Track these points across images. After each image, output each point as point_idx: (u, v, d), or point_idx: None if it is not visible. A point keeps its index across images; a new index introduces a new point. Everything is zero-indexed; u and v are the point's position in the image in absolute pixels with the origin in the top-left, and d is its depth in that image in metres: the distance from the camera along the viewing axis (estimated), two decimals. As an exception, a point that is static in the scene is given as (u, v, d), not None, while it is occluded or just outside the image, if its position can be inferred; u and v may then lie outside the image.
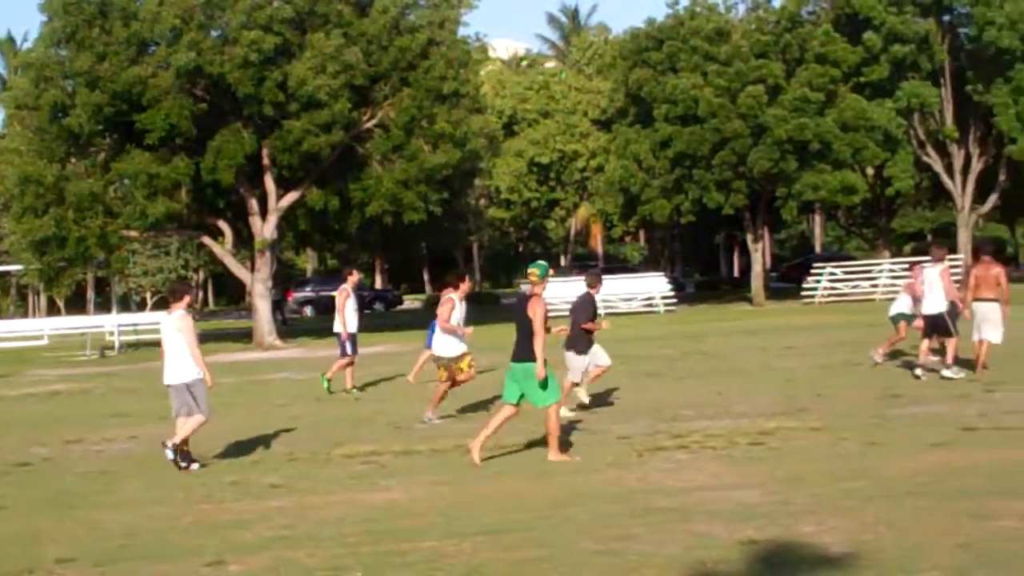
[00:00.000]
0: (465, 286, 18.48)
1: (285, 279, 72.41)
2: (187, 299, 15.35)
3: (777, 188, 55.88)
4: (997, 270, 20.86)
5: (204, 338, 27.30)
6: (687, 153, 54.39)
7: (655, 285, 56.28)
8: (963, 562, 8.40)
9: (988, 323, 20.43)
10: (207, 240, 47.94)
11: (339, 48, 42.06)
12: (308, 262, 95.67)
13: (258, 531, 10.85)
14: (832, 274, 55.67)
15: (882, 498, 10.72)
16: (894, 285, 49.77)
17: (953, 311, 20.73)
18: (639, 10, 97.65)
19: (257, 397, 23.90)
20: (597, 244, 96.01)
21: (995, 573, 8.07)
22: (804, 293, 54.57)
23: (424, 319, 32.50)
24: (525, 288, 14.57)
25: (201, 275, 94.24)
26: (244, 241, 48.53)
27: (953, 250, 59.21)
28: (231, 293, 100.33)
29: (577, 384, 18.13)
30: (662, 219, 59.18)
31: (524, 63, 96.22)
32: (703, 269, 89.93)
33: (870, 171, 63.70)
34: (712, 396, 19.51)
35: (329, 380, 23.47)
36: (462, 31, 48.89)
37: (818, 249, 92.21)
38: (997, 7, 54.97)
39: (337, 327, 23.51)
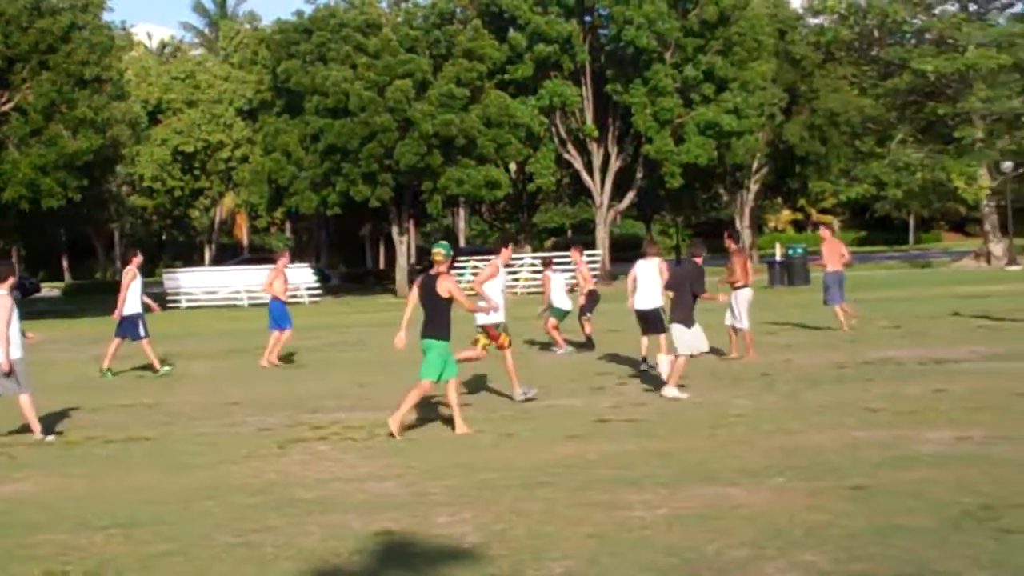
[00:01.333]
0: (507, 252, 17.66)
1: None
2: (11, 280, 15.17)
3: (423, 182, 56.41)
4: (744, 257, 21.87)
5: None
6: (337, 146, 54.30)
7: (300, 276, 55.92)
8: (592, 551, 8.60)
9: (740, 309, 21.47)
10: None
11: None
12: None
13: None
14: (475, 268, 56.55)
15: (516, 488, 10.89)
16: (535, 279, 51.03)
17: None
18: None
19: None
20: (243, 234, 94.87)
21: (622, 561, 8.30)
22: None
23: (64, 307, 31.33)
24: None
25: None
26: None
27: (591, 245, 61.22)
28: None
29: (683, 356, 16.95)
30: (309, 210, 58.94)
31: (168, 51, 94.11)
32: (349, 261, 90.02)
33: (513, 167, 65.11)
34: (354, 388, 19.51)
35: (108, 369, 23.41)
36: (106, 16, 47.62)
37: (462, 243, 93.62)
38: (636, 6, 56.84)
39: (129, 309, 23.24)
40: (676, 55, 59.25)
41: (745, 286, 21.96)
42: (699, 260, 17.44)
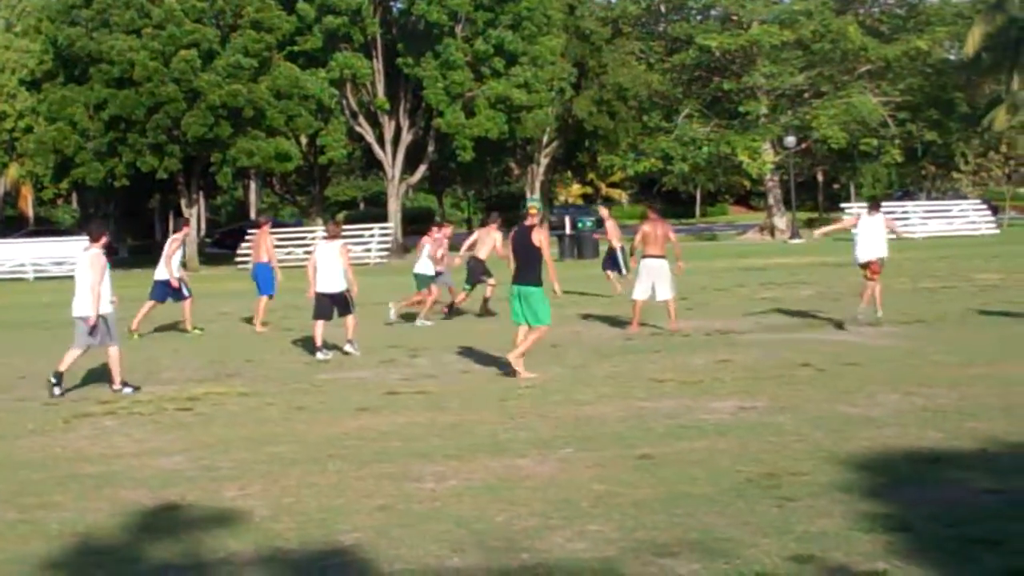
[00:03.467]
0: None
1: None
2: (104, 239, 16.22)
3: (212, 154, 55.53)
4: (666, 227, 21.57)
5: None
6: (122, 116, 53.07)
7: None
8: (382, 523, 8.62)
9: (661, 280, 21.12)
10: None
11: None
12: None
13: None
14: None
15: (306, 462, 10.84)
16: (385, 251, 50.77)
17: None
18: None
19: None
20: (27, 206, 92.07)
21: (411, 533, 8.33)
22: (239, 259, 54.45)
23: None
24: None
25: None
26: None
27: (384, 218, 61.10)
28: None
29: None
30: (95, 182, 57.45)
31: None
32: (137, 234, 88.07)
33: (304, 139, 64.56)
34: (142, 362, 19.14)
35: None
36: None
37: (253, 215, 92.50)
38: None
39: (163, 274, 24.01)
40: (467, 29, 59.35)
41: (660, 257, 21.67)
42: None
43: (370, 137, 63.35)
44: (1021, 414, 11.69)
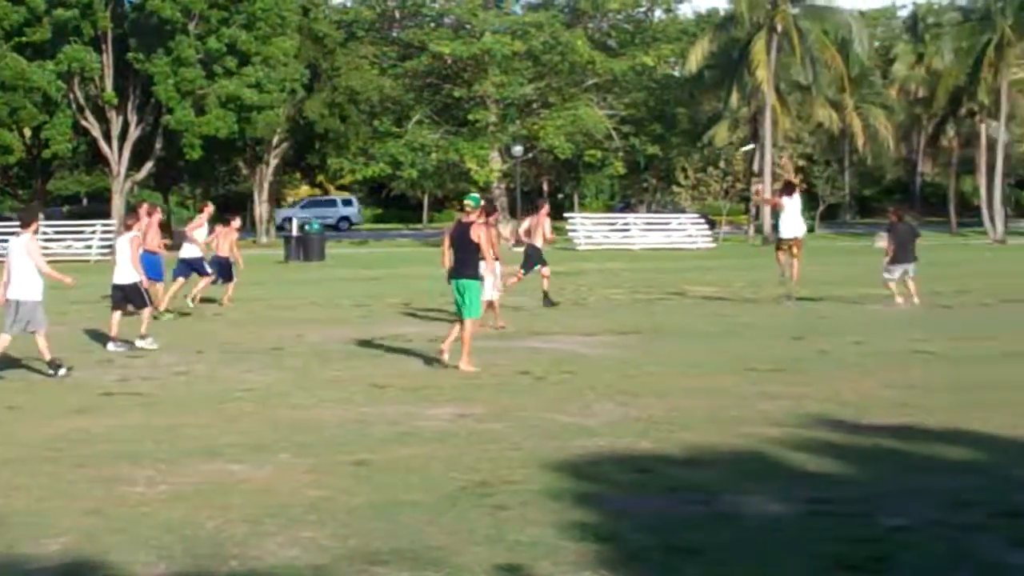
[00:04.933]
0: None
1: None
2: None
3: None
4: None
5: None
6: None
7: None
8: (91, 527, 8.43)
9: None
10: None
11: None
12: None
13: None
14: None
15: (17, 463, 10.55)
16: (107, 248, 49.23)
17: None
18: None
19: None
20: None
21: (121, 538, 8.16)
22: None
23: None
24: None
25: None
26: None
27: (108, 215, 59.62)
28: None
29: None
30: None
31: None
32: None
33: (28, 132, 62.57)
34: None
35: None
36: None
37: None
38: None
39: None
40: (200, 27, 58.32)
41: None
42: None
43: (96, 132, 61.64)
44: (727, 424, 12.10)
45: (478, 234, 16.54)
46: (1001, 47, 68.77)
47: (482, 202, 17.66)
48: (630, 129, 72.81)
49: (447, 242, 17.15)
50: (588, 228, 62.73)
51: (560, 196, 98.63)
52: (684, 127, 78.10)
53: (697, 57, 69.14)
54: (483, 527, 8.41)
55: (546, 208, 26.69)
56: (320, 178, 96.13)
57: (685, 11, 77.57)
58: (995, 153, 70.60)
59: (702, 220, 65.38)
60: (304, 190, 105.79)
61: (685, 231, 62.89)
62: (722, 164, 71.08)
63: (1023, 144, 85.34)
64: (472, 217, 16.82)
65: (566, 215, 66.05)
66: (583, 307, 26.41)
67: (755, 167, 70.74)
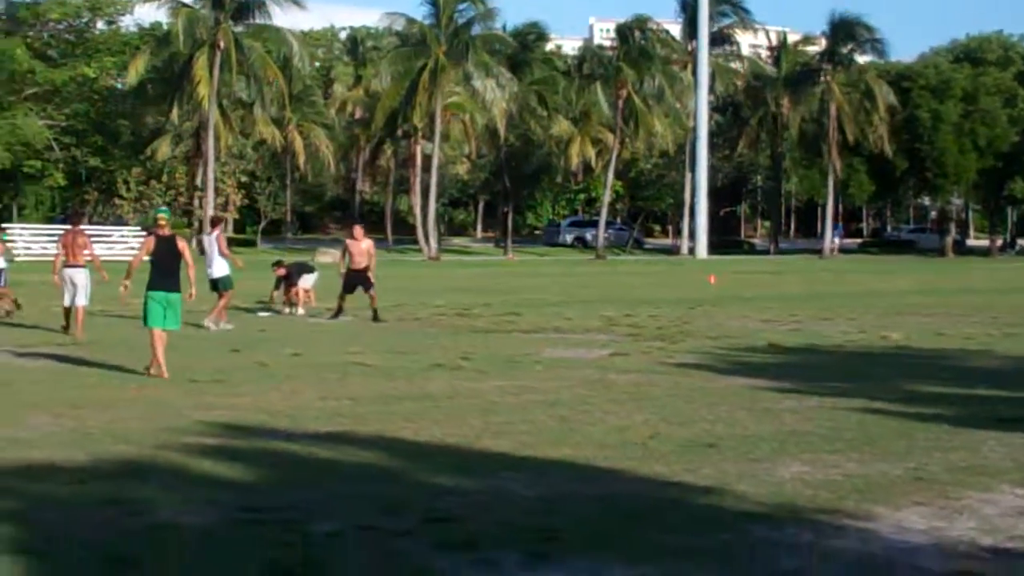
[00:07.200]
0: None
1: None
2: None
3: None
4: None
5: None
6: None
7: None
8: None
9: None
10: None
11: None
12: None
13: None
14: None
15: None
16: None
17: None
18: None
19: None
20: None
21: None
22: None
23: None
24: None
25: None
26: None
27: None
28: None
29: None
30: None
31: None
32: None
33: None
34: None
35: None
36: None
37: None
38: None
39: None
40: None
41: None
42: None
43: None
44: (165, 435, 12.04)
45: (183, 245, 17.29)
46: (436, 72, 72.07)
47: None
48: (71, 140, 70.99)
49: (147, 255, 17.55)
50: (27, 239, 61.26)
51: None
52: (127, 140, 76.86)
53: (138, 70, 68.33)
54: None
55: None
56: None
57: (128, 24, 76.18)
58: (430, 174, 73.85)
59: (144, 232, 64.62)
60: None
61: (128, 243, 61.94)
62: (165, 178, 70.62)
63: (456, 165, 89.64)
64: (167, 231, 17.31)
65: (4, 225, 63.49)
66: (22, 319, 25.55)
67: (198, 181, 70.65)
